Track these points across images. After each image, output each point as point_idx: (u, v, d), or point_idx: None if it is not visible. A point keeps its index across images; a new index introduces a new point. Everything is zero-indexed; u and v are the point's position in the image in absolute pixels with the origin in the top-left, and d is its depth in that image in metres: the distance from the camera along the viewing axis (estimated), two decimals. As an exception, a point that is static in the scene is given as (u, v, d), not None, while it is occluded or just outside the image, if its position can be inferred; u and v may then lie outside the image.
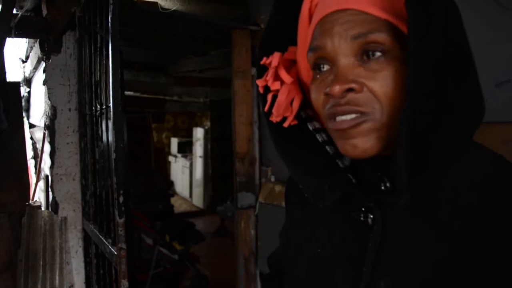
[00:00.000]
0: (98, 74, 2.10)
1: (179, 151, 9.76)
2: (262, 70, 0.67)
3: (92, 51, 2.19)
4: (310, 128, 0.67)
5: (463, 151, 0.56)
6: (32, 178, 3.17)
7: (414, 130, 0.49)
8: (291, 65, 0.66)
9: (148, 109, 7.78)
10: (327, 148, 0.65)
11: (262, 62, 0.65)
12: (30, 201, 2.77)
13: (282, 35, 0.67)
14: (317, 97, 0.58)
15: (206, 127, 8.57)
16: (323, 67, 0.57)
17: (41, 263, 2.50)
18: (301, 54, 0.64)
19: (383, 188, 0.58)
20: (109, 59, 1.71)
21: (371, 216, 0.58)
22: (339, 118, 0.55)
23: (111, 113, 1.72)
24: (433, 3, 0.50)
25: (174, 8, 2.66)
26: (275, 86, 0.64)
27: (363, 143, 0.54)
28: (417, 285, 0.53)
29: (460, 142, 0.55)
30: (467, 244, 0.51)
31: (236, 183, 2.82)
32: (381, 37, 0.52)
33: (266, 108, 0.66)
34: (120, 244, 1.70)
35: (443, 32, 0.50)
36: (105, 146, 2.02)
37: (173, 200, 6.94)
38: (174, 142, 10.17)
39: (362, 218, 0.59)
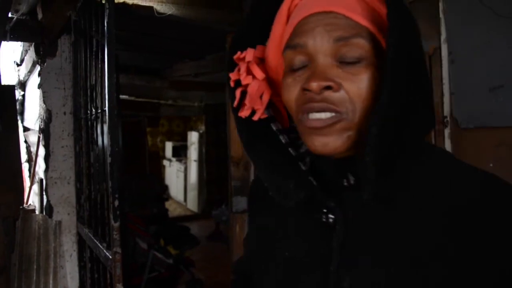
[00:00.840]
0: (94, 78, 2.10)
1: (174, 155, 9.74)
2: (231, 66, 0.69)
3: (88, 55, 2.19)
4: (274, 128, 0.68)
5: (420, 152, 0.60)
6: (26, 181, 3.15)
7: (383, 130, 0.52)
8: (259, 63, 0.67)
9: (143, 113, 7.78)
10: (290, 150, 0.67)
11: (236, 57, 0.66)
12: (24, 205, 2.76)
13: (254, 33, 0.68)
14: (290, 92, 0.60)
15: (201, 131, 8.56)
16: (300, 64, 0.59)
17: (35, 267, 2.48)
18: (273, 51, 0.66)
19: (346, 184, 0.60)
20: (105, 63, 1.71)
21: (332, 217, 0.61)
22: (313, 116, 0.56)
23: (107, 117, 1.73)
24: (407, 19, 0.55)
25: (169, 12, 2.66)
26: (246, 80, 0.65)
27: (334, 142, 0.56)
28: (380, 279, 0.56)
29: (420, 144, 0.60)
30: (428, 240, 0.54)
31: (231, 187, 2.82)
32: (361, 42, 0.55)
33: (236, 103, 0.67)
34: (115, 248, 1.70)
35: (413, 45, 0.55)
36: (100, 150, 2.02)
37: (167, 204, 6.92)
38: (169, 146, 10.14)
39: (324, 219, 0.61)
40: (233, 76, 0.67)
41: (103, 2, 1.74)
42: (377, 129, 0.52)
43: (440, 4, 1.79)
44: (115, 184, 1.72)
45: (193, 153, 8.61)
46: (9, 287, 2.51)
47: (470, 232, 0.52)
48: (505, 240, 0.51)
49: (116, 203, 1.71)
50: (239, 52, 0.66)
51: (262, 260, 0.72)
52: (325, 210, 0.62)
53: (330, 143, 0.56)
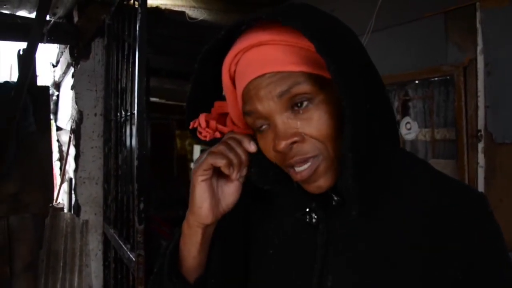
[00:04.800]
0: (125, 81, 2.14)
1: (201, 158, 9.77)
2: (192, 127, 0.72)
3: (120, 58, 2.23)
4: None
5: (392, 158, 0.65)
6: (57, 180, 3.23)
7: (357, 152, 0.55)
8: (222, 117, 0.71)
9: (172, 116, 7.85)
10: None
11: (191, 127, 0.70)
12: (54, 203, 2.82)
13: (206, 94, 0.72)
14: (267, 153, 0.63)
15: (229, 135, 8.57)
16: (263, 127, 0.62)
17: (61, 264, 2.54)
18: (234, 108, 0.68)
19: (334, 203, 0.64)
20: (135, 67, 1.74)
21: (315, 216, 0.65)
22: (298, 169, 0.60)
23: (136, 119, 1.74)
24: (336, 42, 0.56)
25: (201, 17, 2.69)
26: (216, 135, 0.70)
27: (324, 182, 0.61)
28: (360, 279, 0.60)
29: (390, 150, 0.64)
30: (406, 240, 0.60)
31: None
32: (302, 88, 0.58)
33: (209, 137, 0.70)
34: (139, 251, 1.71)
35: (355, 63, 0.57)
36: (128, 152, 2.04)
37: (193, 207, 6.93)
38: (197, 149, 10.20)
39: (307, 220, 0.66)
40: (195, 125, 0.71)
41: (136, 6, 1.77)
42: (351, 153, 0.55)
43: (478, 14, 1.74)
44: (142, 187, 1.74)
45: (220, 157, 8.63)
46: (37, 283, 2.57)
47: (447, 231, 0.59)
48: (472, 239, 0.58)
49: (142, 206, 1.72)
50: (192, 123, 0.70)
51: (239, 260, 0.74)
52: (307, 210, 0.66)
53: (322, 184, 0.61)
